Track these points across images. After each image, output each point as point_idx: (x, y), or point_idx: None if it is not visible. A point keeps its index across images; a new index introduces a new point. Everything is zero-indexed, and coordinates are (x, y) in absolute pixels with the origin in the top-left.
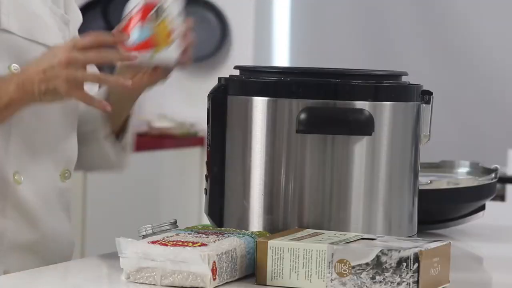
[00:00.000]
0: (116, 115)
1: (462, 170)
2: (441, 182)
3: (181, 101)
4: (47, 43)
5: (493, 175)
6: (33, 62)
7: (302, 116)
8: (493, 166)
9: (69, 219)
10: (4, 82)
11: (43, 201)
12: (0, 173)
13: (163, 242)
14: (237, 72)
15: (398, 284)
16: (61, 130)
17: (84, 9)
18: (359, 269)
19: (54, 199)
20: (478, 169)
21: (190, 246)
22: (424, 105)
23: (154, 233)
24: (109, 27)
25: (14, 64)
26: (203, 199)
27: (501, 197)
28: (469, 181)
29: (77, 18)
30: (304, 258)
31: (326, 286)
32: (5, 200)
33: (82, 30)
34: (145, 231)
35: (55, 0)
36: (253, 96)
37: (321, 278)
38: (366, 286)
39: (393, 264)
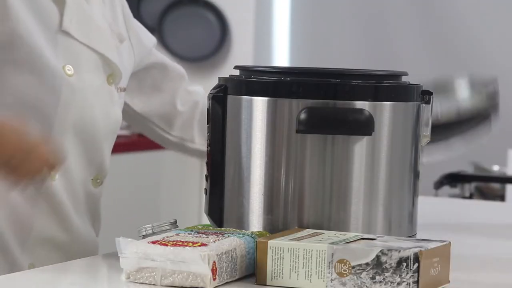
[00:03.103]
0: None
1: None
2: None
3: None
4: (102, 52)
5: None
6: None
7: (302, 116)
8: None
9: (93, 225)
10: None
11: (73, 201)
12: None
13: (163, 242)
14: (237, 72)
15: (398, 284)
16: (100, 141)
17: None
18: (359, 269)
19: (83, 202)
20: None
21: (190, 246)
22: (424, 105)
23: (154, 233)
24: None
25: (68, 65)
26: (203, 199)
27: (501, 197)
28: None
29: (145, 42)
30: (304, 258)
31: (326, 286)
32: (39, 194)
33: None
34: (145, 231)
35: (115, 18)
36: (253, 96)
37: (321, 278)
38: (366, 286)
39: (393, 264)
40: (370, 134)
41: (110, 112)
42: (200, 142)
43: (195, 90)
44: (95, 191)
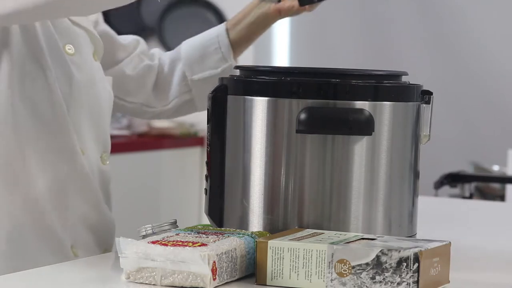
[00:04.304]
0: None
1: None
2: None
3: None
4: (87, 27)
5: None
6: None
7: (302, 116)
8: None
9: (108, 202)
10: None
11: (94, 179)
12: (70, 142)
13: (163, 242)
14: (237, 72)
15: (398, 284)
16: (103, 116)
17: None
18: (359, 269)
19: (98, 180)
20: None
21: (190, 246)
22: (424, 105)
23: (154, 233)
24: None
25: (68, 44)
26: (203, 199)
27: (501, 197)
28: None
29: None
30: (304, 258)
31: (326, 286)
32: (74, 170)
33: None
34: (145, 231)
35: None
36: (253, 96)
37: (321, 278)
38: (366, 286)
39: (393, 264)
40: (370, 134)
41: (106, 87)
42: (160, 104)
43: (151, 54)
44: (105, 169)
